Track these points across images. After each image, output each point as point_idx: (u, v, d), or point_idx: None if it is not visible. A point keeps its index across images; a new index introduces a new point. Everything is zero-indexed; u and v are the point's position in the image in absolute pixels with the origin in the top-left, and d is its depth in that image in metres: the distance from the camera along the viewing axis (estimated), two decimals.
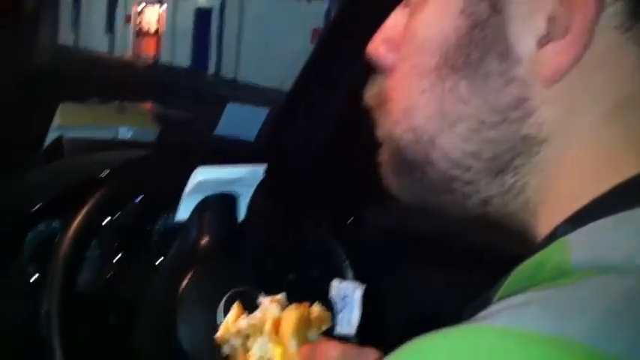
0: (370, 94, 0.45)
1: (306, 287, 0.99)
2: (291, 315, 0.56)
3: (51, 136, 1.30)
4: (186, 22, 14.04)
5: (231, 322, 0.58)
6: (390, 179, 0.44)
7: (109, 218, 1.00)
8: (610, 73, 0.36)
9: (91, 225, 0.88)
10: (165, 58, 14.85)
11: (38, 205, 0.98)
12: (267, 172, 0.92)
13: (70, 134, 1.27)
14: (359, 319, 0.90)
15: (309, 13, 9.68)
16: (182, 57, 13.87)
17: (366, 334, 0.92)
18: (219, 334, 0.59)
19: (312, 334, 0.58)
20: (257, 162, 0.92)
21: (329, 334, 0.60)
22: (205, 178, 0.88)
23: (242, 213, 0.94)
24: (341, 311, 0.91)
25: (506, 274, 0.36)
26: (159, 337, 0.87)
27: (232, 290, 0.85)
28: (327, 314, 0.59)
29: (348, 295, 0.91)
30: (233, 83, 11.48)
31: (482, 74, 0.37)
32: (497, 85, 0.37)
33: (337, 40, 1.12)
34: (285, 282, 0.97)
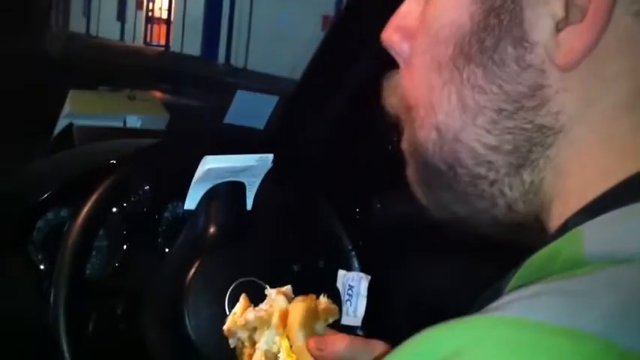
0: (390, 102, 0.44)
1: (312, 278, 0.99)
2: (299, 307, 0.55)
3: (61, 124, 1.30)
4: (197, 10, 14.05)
5: (239, 314, 0.57)
6: (422, 194, 0.44)
7: (118, 207, 1.00)
8: (625, 62, 0.36)
9: (99, 214, 0.88)
10: (175, 46, 14.87)
11: (47, 194, 0.99)
12: (276, 161, 0.92)
13: (80, 122, 1.28)
14: (364, 310, 0.90)
15: (319, 1, 9.64)
16: (192, 45, 13.88)
17: (371, 325, 0.92)
18: (226, 326, 0.58)
19: (319, 326, 0.57)
20: (266, 151, 0.92)
21: (335, 325, 0.60)
22: (214, 166, 0.88)
23: (249, 202, 0.94)
24: (347, 302, 0.91)
25: (517, 266, 0.36)
26: (166, 325, 0.87)
27: (239, 280, 0.85)
28: (334, 306, 0.59)
29: (354, 286, 0.91)
30: (243, 71, 11.48)
31: (498, 61, 0.37)
32: (513, 72, 0.37)
33: (348, 28, 1.11)
34: (290, 273, 0.97)
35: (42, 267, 0.98)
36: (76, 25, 16.19)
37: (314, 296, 0.58)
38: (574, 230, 0.34)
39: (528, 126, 0.37)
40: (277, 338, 0.55)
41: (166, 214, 1.07)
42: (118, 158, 0.95)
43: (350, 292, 0.91)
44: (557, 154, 0.37)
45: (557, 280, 0.30)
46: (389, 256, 1.15)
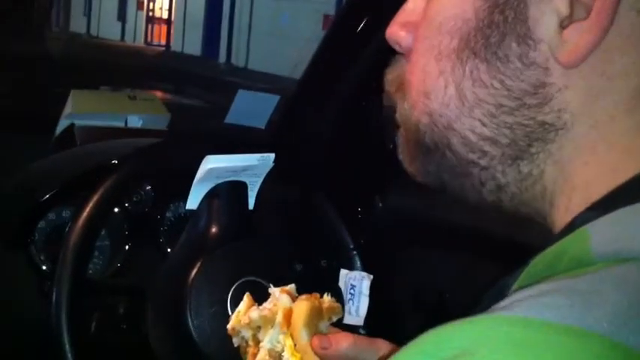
0: (389, 78, 0.45)
1: (314, 277, 0.99)
2: (303, 306, 0.55)
3: (62, 124, 1.30)
4: (198, 9, 14.04)
5: (243, 313, 0.57)
6: (408, 161, 0.44)
7: (119, 207, 1.00)
8: (630, 59, 0.35)
9: (101, 214, 0.88)
10: (176, 45, 14.87)
11: (49, 194, 0.98)
12: (277, 160, 0.92)
13: (82, 121, 1.27)
14: (366, 309, 0.90)
15: (320, 0, 9.63)
16: (193, 44, 13.88)
17: (373, 324, 0.91)
18: (230, 325, 0.58)
19: (323, 325, 0.57)
20: (267, 151, 0.92)
21: (337, 324, 0.60)
22: (215, 165, 0.88)
23: (251, 202, 0.94)
24: (349, 301, 0.90)
25: (523, 264, 0.36)
26: (168, 325, 0.87)
27: (241, 279, 0.85)
28: (338, 305, 0.59)
29: (356, 286, 0.91)
30: (244, 71, 11.48)
31: (502, 57, 0.37)
32: (517, 69, 0.37)
33: (349, 27, 1.11)
34: (292, 272, 0.97)
35: (44, 267, 0.98)
36: (77, 25, 16.20)
37: (318, 295, 0.58)
38: (580, 229, 0.33)
39: (529, 122, 0.37)
40: (281, 337, 0.54)
41: (168, 214, 1.07)
42: (120, 158, 0.95)
43: (352, 291, 0.91)
44: (559, 150, 0.37)
45: (563, 279, 0.30)
46: (391, 255, 1.15)
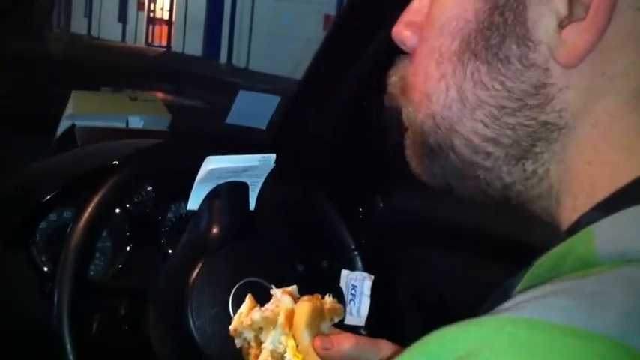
0: (393, 80, 0.45)
1: (315, 278, 0.99)
2: (304, 307, 0.55)
3: (63, 125, 1.30)
4: (199, 10, 14.04)
5: (245, 314, 0.57)
6: (415, 162, 0.44)
7: (121, 208, 1.00)
8: (629, 58, 0.35)
9: (102, 215, 0.88)
10: (177, 46, 14.87)
11: (50, 195, 0.98)
12: (278, 160, 0.92)
13: (83, 122, 1.27)
14: (368, 309, 0.90)
15: (321, 1, 9.63)
16: (194, 45, 13.88)
17: (375, 325, 0.91)
18: (232, 326, 0.58)
19: (325, 325, 0.57)
20: (268, 151, 0.92)
21: (338, 325, 0.60)
22: (216, 166, 0.88)
23: (252, 202, 0.94)
24: (350, 302, 0.90)
25: (527, 264, 0.36)
26: (169, 326, 0.87)
27: (243, 280, 0.85)
28: (340, 306, 0.59)
29: (358, 286, 0.91)
30: (245, 71, 11.48)
31: (502, 59, 0.37)
32: (517, 70, 0.37)
33: (350, 28, 1.11)
34: (294, 273, 0.97)
35: (45, 268, 0.98)
36: (78, 26, 16.20)
37: (319, 296, 0.58)
38: (585, 229, 0.33)
39: (531, 123, 0.37)
40: (283, 338, 0.54)
41: (169, 215, 1.07)
42: (121, 159, 0.95)
43: (353, 291, 0.91)
44: (563, 150, 0.37)
45: (568, 280, 0.30)
46: (392, 255, 1.15)
